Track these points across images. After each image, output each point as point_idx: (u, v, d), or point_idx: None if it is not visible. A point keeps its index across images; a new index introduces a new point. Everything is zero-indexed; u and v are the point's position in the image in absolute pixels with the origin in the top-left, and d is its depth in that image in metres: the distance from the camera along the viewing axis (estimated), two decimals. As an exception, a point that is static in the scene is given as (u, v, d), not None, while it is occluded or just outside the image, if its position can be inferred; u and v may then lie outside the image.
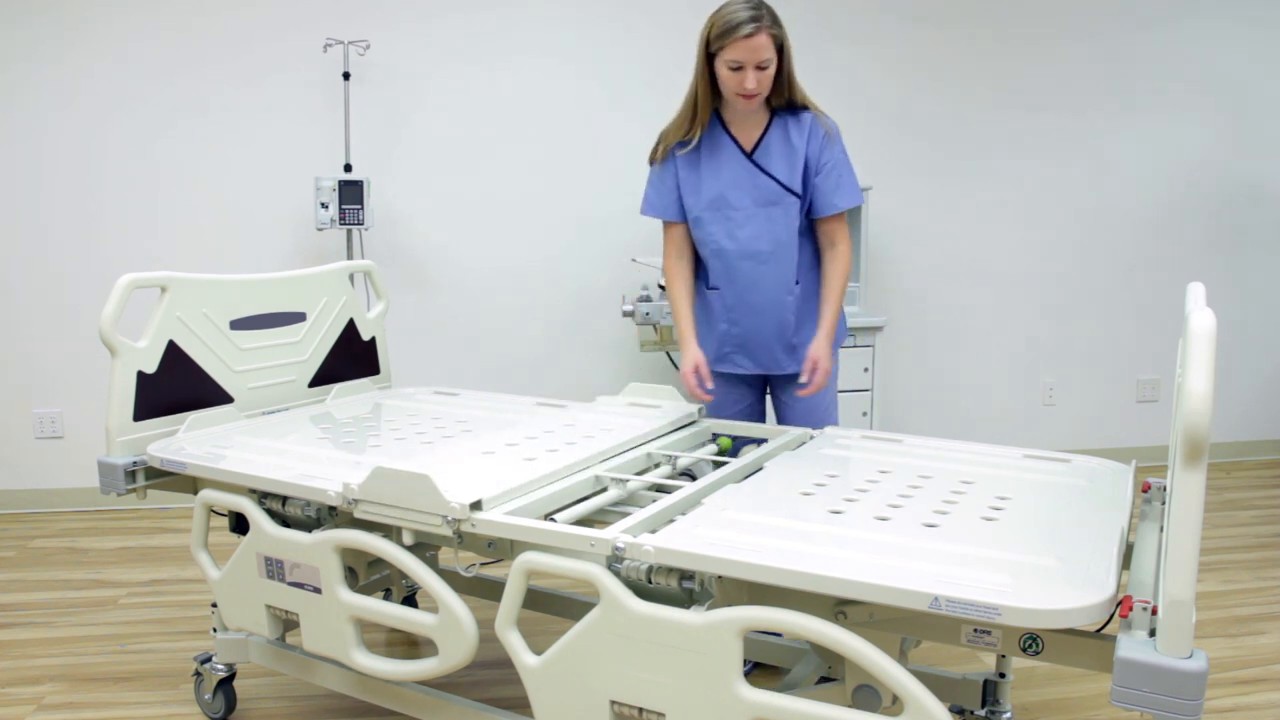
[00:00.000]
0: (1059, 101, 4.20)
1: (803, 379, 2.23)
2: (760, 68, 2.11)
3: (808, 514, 1.52)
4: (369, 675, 1.84)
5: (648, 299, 3.64)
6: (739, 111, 2.24)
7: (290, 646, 2.08)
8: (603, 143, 3.96)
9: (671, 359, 3.79)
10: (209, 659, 2.18)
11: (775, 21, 2.12)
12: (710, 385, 2.27)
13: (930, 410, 4.34)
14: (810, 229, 2.34)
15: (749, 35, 2.06)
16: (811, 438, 2.09)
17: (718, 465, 2.01)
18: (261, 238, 3.78)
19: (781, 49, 2.15)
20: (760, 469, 1.85)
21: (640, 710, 1.42)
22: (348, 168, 3.61)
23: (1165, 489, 1.59)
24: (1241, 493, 4.04)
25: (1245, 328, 4.47)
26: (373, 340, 2.64)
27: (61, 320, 3.69)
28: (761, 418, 2.51)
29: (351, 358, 2.59)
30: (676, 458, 1.96)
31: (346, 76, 3.62)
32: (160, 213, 3.71)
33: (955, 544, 1.38)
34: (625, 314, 3.63)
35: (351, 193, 3.52)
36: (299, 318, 2.44)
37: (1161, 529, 1.47)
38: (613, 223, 4.00)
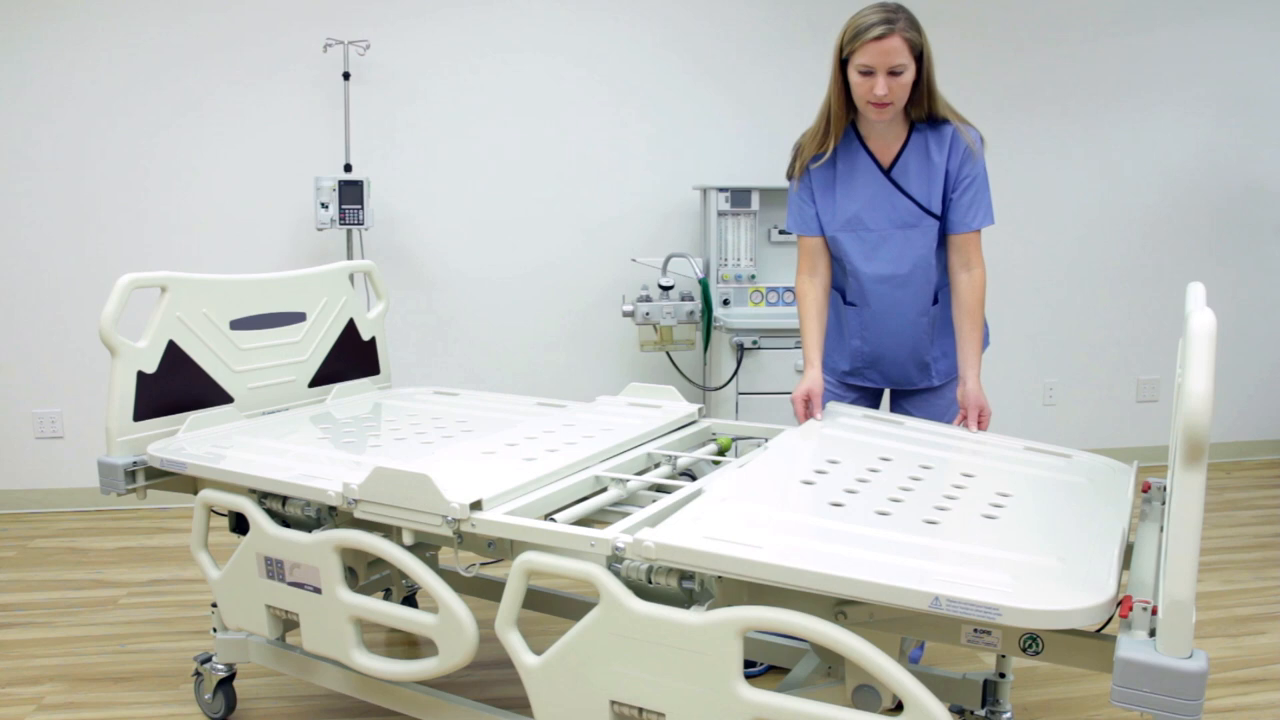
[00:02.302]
0: (1059, 102, 4.20)
1: (970, 429, 2.08)
2: (893, 73, 1.97)
3: (808, 506, 1.52)
4: (369, 675, 1.84)
5: (648, 299, 3.64)
6: (875, 124, 2.12)
7: (290, 646, 2.08)
8: (604, 143, 3.96)
9: (672, 359, 3.79)
10: (209, 659, 2.18)
11: (912, 26, 1.98)
12: (819, 417, 2.10)
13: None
14: (943, 242, 2.23)
15: (879, 37, 1.94)
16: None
17: (717, 465, 2.01)
18: (261, 238, 3.77)
19: (921, 57, 2.01)
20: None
21: (640, 710, 1.42)
22: (348, 168, 3.61)
23: (1165, 489, 1.59)
24: (1241, 493, 4.04)
25: (1245, 328, 4.47)
26: (373, 340, 2.64)
27: (61, 320, 3.69)
28: None
29: (351, 358, 2.59)
30: (676, 458, 1.96)
31: (346, 76, 3.62)
32: (160, 213, 3.71)
33: (956, 542, 1.37)
34: (625, 314, 3.63)
35: (351, 193, 3.52)
36: (299, 318, 2.44)
37: (1161, 529, 1.46)
38: (613, 223, 4.00)
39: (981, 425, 2.08)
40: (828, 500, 1.55)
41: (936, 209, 2.15)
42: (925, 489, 1.63)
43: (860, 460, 1.77)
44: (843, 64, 2.04)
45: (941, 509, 1.53)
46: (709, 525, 1.43)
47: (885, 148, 2.15)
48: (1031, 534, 1.43)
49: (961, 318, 2.16)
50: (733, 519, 1.46)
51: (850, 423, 2.03)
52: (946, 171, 2.13)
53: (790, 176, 2.25)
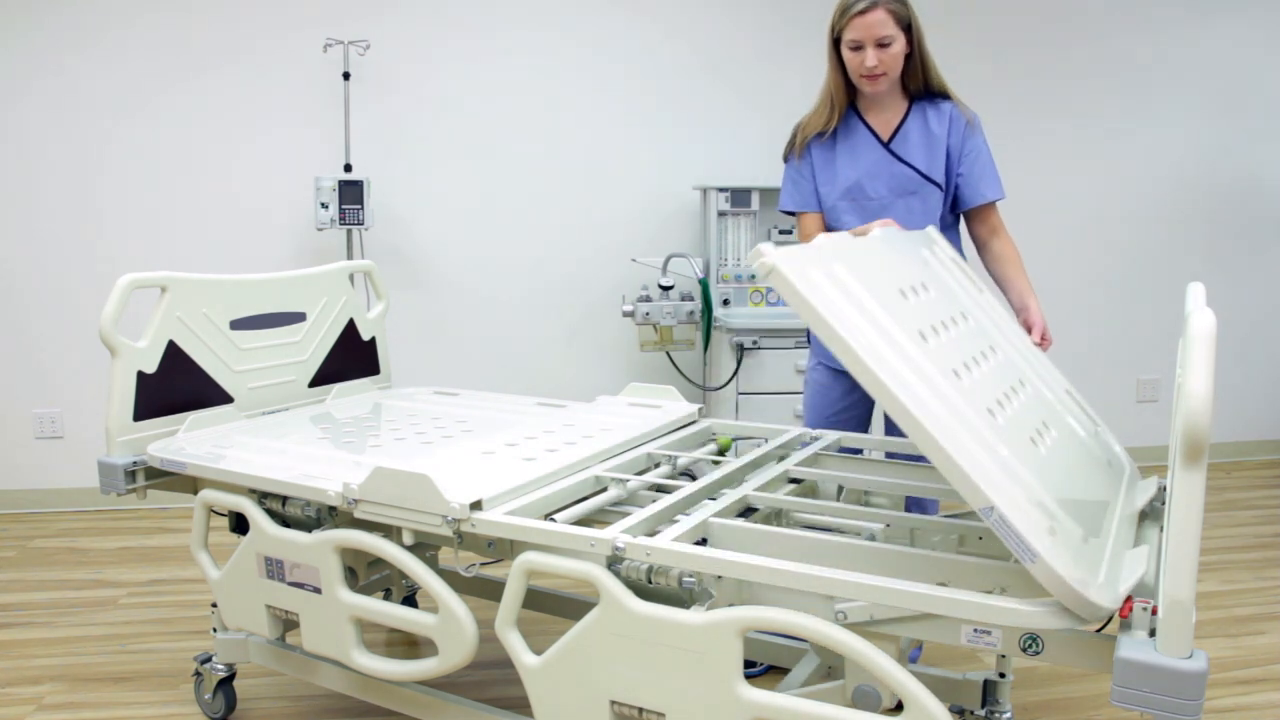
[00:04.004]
0: (1059, 103, 4.20)
1: (1034, 339, 2.08)
2: (881, 45, 2.06)
3: (902, 322, 1.42)
4: (369, 675, 1.84)
5: (648, 299, 3.64)
6: (872, 98, 2.19)
7: (290, 646, 2.08)
8: (604, 143, 3.96)
9: (672, 359, 3.79)
10: (209, 659, 2.18)
11: None
12: (895, 225, 1.97)
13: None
14: (955, 225, 2.26)
15: (864, 11, 2.04)
16: (815, 438, 2.09)
17: (717, 464, 2.01)
18: (261, 238, 3.77)
19: (909, 28, 2.09)
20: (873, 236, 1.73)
21: (640, 710, 1.42)
22: (348, 168, 3.61)
23: (1165, 489, 1.59)
24: (1241, 493, 4.04)
25: (1245, 328, 4.47)
26: (373, 340, 2.64)
27: (61, 320, 3.69)
28: (864, 427, 2.38)
29: (351, 358, 2.59)
30: (676, 457, 1.96)
31: (346, 76, 3.62)
32: (160, 213, 3.71)
33: (1007, 448, 1.33)
34: (625, 314, 3.63)
35: (351, 193, 3.52)
36: (299, 318, 2.44)
37: (1161, 529, 1.46)
38: (613, 222, 4.00)
39: (1044, 345, 2.11)
40: (915, 326, 1.46)
41: (938, 177, 2.18)
42: (990, 372, 1.56)
43: (945, 303, 1.67)
44: (836, 43, 2.13)
45: (1000, 404, 1.47)
46: (818, 273, 1.33)
47: (885, 123, 2.21)
48: (1062, 486, 1.40)
49: (1005, 267, 2.22)
50: (842, 288, 1.36)
51: (944, 257, 1.93)
52: (948, 146, 2.17)
53: (788, 157, 2.30)
